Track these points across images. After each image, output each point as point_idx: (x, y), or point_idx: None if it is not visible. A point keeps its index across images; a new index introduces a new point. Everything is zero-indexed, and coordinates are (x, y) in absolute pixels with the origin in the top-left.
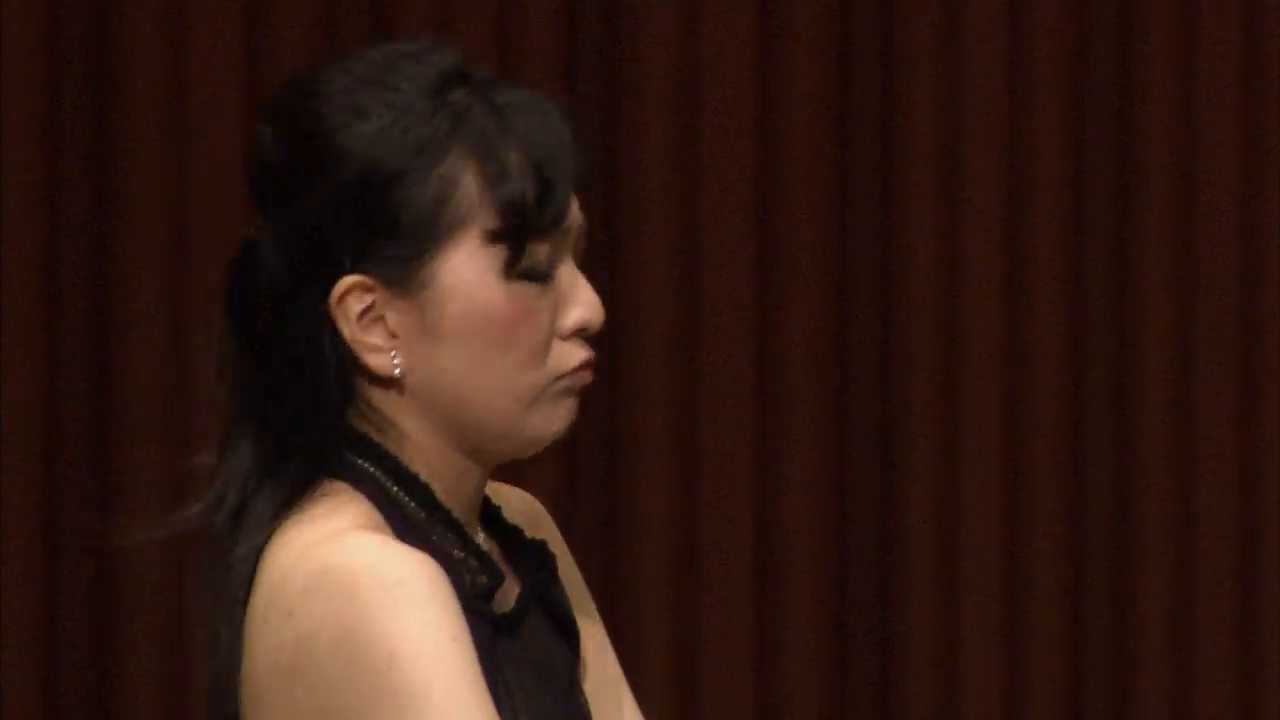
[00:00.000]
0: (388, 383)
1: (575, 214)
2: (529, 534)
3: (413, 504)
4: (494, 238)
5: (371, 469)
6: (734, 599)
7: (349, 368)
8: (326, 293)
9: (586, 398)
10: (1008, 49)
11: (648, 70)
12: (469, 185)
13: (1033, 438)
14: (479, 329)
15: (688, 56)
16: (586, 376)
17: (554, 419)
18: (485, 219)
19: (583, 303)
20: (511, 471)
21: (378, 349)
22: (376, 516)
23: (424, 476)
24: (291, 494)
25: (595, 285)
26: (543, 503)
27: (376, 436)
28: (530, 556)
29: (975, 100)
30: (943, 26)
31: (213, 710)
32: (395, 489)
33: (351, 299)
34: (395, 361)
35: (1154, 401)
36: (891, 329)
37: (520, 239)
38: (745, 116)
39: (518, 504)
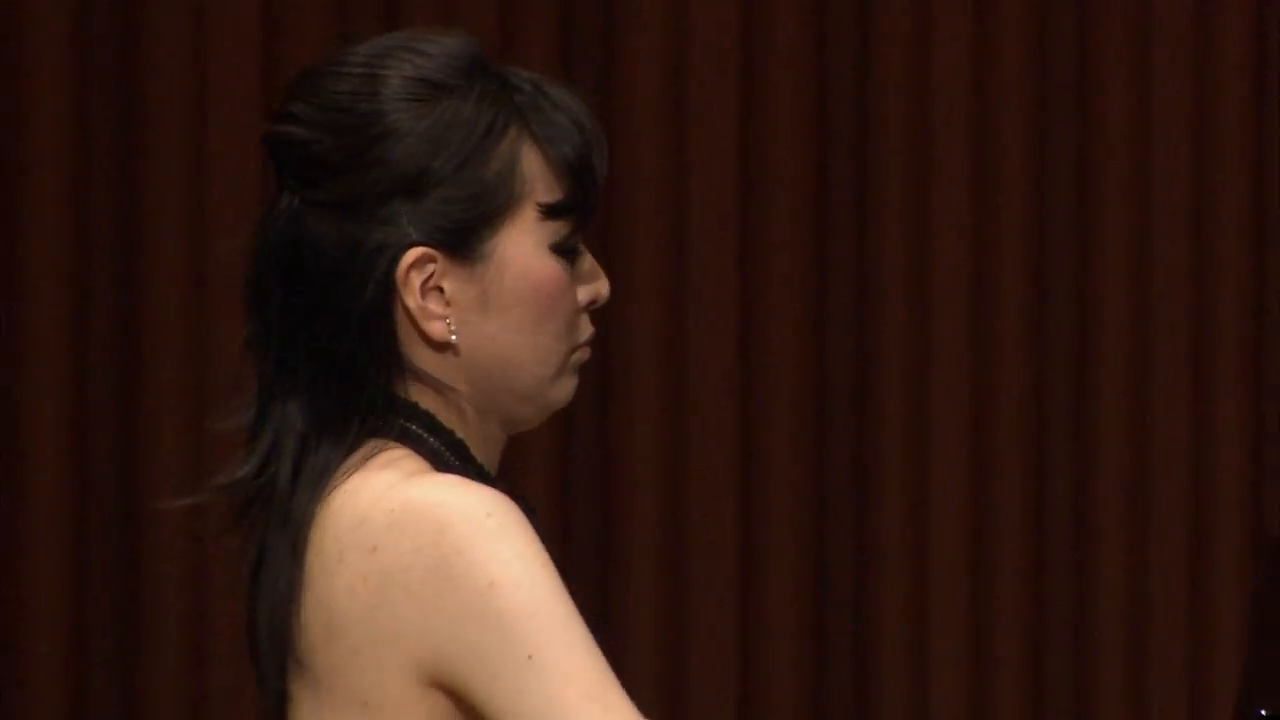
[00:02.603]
0: (439, 347)
1: None
2: None
3: (455, 460)
4: (550, 212)
5: (417, 429)
6: (719, 576)
7: (404, 333)
8: (391, 263)
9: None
10: (972, 78)
11: (637, 86)
12: (529, 162)
13: (997, 436)
14: (528, 299)
15: (675, 73)
16: (587, 353)
17: (566, 390)
18: (544, 193)
19: (596, 278)
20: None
21: (437, 316)
22: (428, 467)
23: (459, 434)
24: (350, 450)
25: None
26: (538, 496)
27: (420, 401)
28: (529, 518)
29: (942, 105)
30: (913, 38)
31: (270, 652)
32: (440, 446)
33: (415, 269)
34: (451, 329)
35: (1110, 406)
36: (865, 325)
37: (584, 210)
38: (729, 121)
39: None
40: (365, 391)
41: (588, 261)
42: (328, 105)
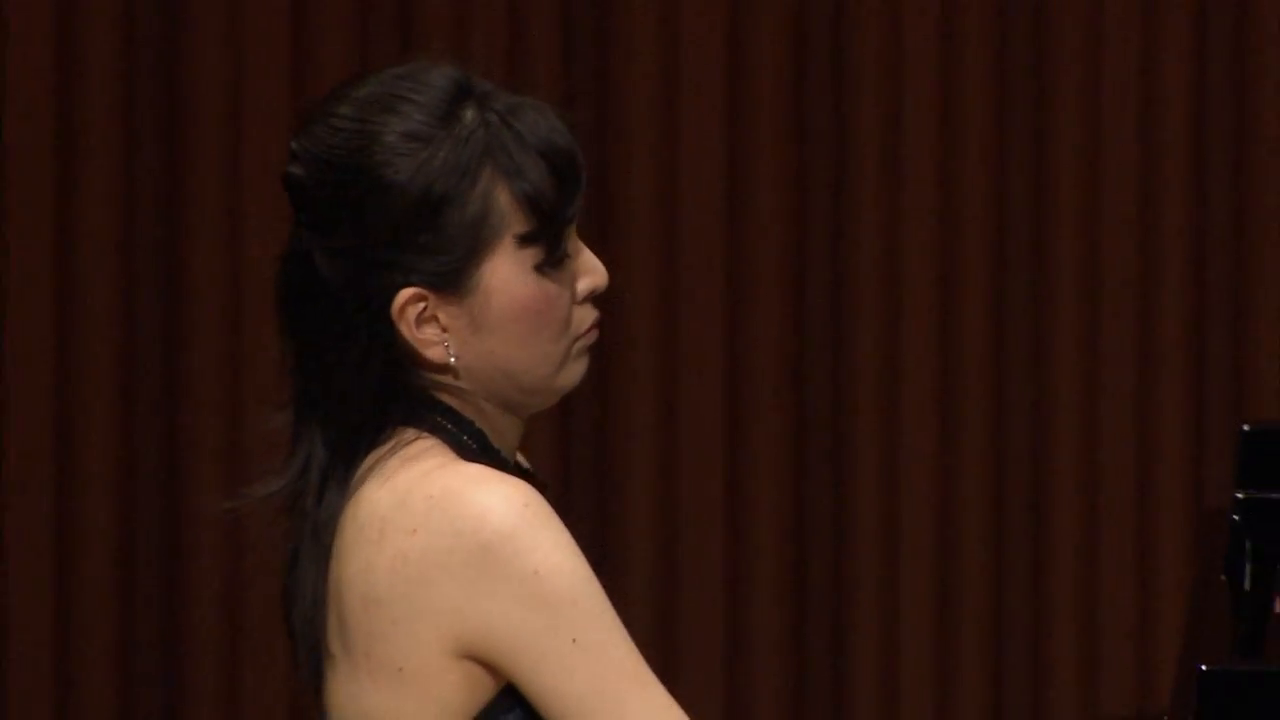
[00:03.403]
0: (442, 368)
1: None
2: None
3: (475, 448)
4: (526, 240)
5: (443, 422)
6: (707, 551)
7: (408, 358)
8: (386, 301)
9: (578, 399)
10: (941, 87)
11: (633, 102)
12: (501, 200)
13: (962, 417)
14: (519, 317)
15: (667, 84)
16: (595, 335)
17: (575, 374)
18: (518, 226)
19: (592, 270)
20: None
21: (433, 343)
22: (455, 455)
23: (478, 424)
24: (361, 452)
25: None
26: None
27: (444, 398)
28: (542, 489)
29: (914, 116)
30: (885, 50)
31: (303, 647)
32: (464, 437)
33: (409, 307)
34: (450, 351)
35: (1065, 392)
36: (841, 318)
37: (552, 237)
38: (716, 125)
39: (522, 463)
40: (378, 417)
41: (583, 257)
42: (323, 157)
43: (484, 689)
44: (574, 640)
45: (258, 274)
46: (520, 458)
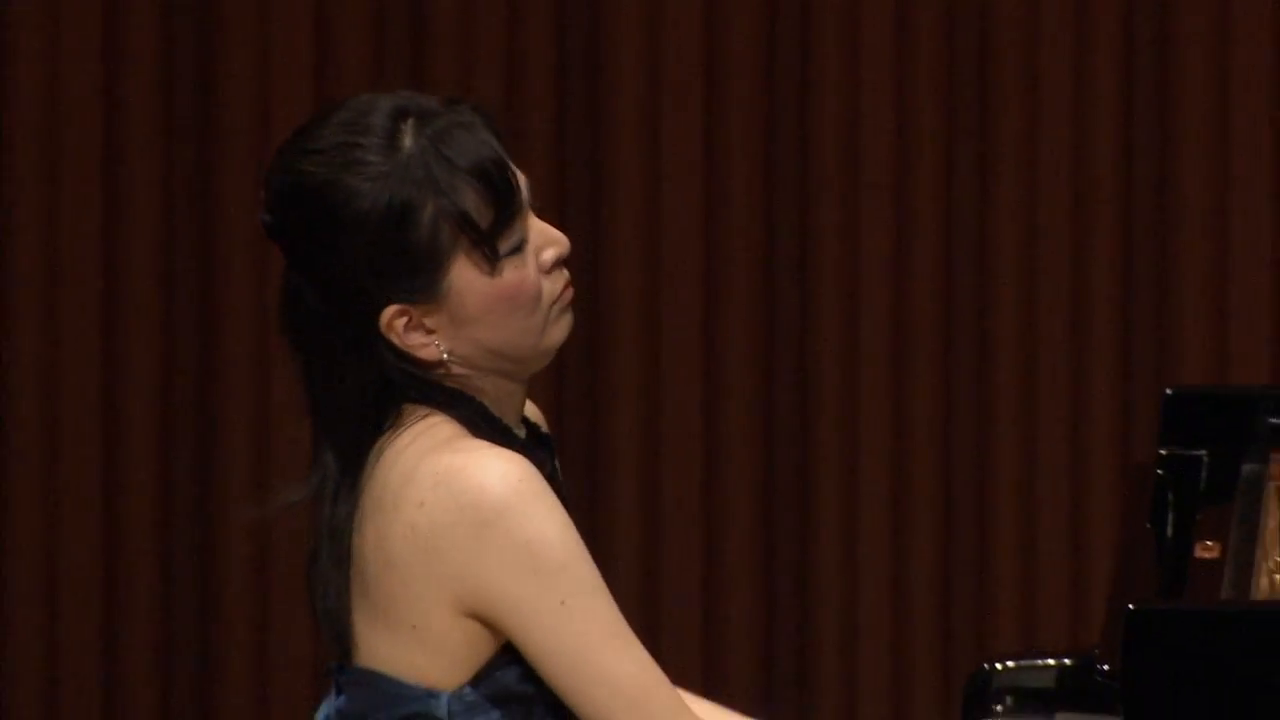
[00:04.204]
0: (436, 364)
1: (522, 187)
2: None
3: (479, 421)
4: (476, 245)
5: (448, 400)
6: (687, 479)
7: (406, 360)
8: (373, 321)
9: (568, 392)
10: (895, 94)
11: (620, 119)
12: (445, 222)
13: (916, 385)
14: (493, 306)
15: (651, 96)
16: (570, 294)
17: (559, 333)
18: (464, 237)
19: (553, 241)
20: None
21: (424, 345)
22: (460, 429)
23: (481, 399)
24: (364, 458)
25: (581, 269)
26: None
27: (448, 382)
28: (544, 446)
29: (871, 115)
30: (844, 59)
31: (327, 632)
32: (469, 414)
33: (395, 320)
34: (441, 350)
35: (1008, 374)
36: (807, 300)
37: (493, 243)
38: (695, 132)
39: (533, 414)
40: (376, 428)
41: (538, 231)
42: (290, 204)
43: (486, 644)
44: (562, 602)
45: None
46: (530, 411)
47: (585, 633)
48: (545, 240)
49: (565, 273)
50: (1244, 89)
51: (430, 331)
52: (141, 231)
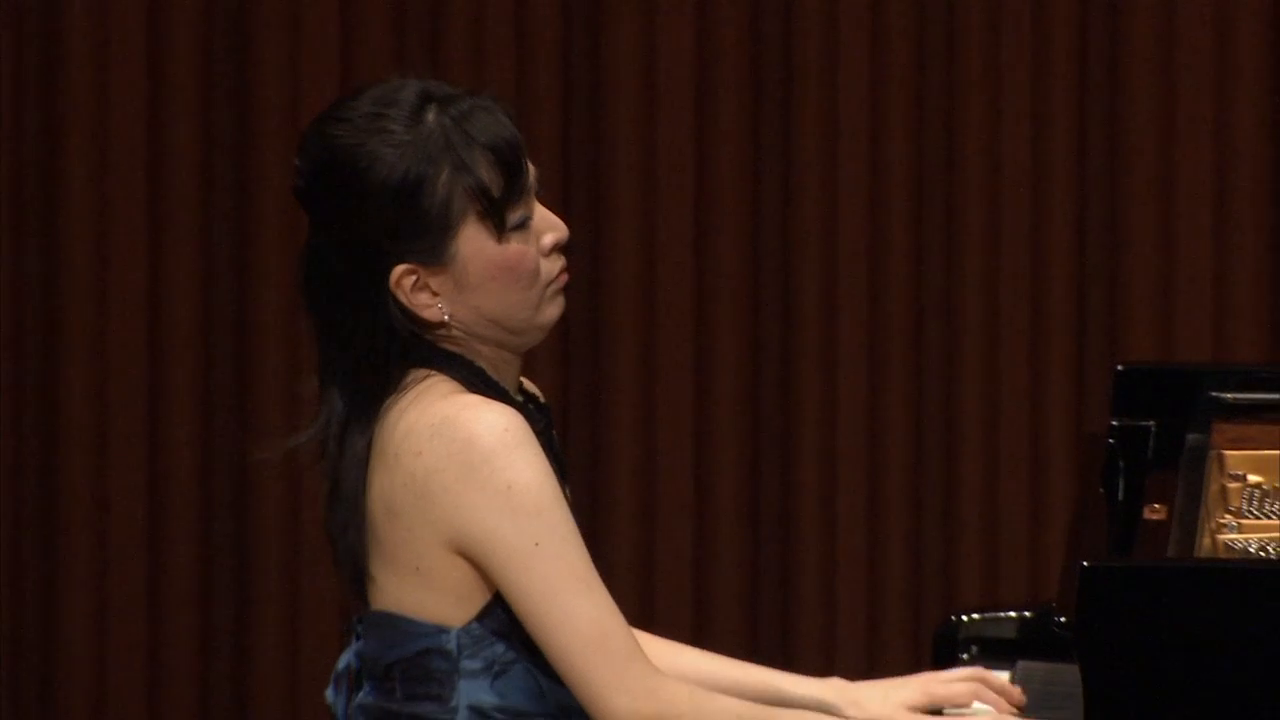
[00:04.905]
0: (439, 325)
1: (531, 171)
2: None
3: (478, 382)
4: (484, 216)
5: (450, 363)
6: (679, 451)
7: (411, 320)
8: (384, 278)
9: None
10: (871, 101)
11: (620, 124)
12: (459, 190)
13: (890, 359)
14: (494, 275)
15: (648, 103)
16: (565, 277)
17: (552, 313)
18: (475, 207)
19: (553, 227)
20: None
21: (428, 306)
22: (459, 386)
23: (479, 363)
24: (378, 394)
25: (579, 257)
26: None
27: (450, 346)
28: (541, 412)
29: (847, 112)
30: (823, 62)
31: (345, 561)
32: (467, 374)
33: (404, 279)
34: (444, 312)
35: (973, 350)
36: (789, 283)
37: (501, 213)
38: (687, 131)
39: (530, 388)
40: (386, 373)
41: (541, 216)
42: (321, 169)
43: (484, 583)
44: (536, 544)
45: None
46: (528, 386)
47: (553, 575)
48: (547, 225)
49: (562, 258)
50: (1190, 88)
51: (435, 294)
52: (184, 221)
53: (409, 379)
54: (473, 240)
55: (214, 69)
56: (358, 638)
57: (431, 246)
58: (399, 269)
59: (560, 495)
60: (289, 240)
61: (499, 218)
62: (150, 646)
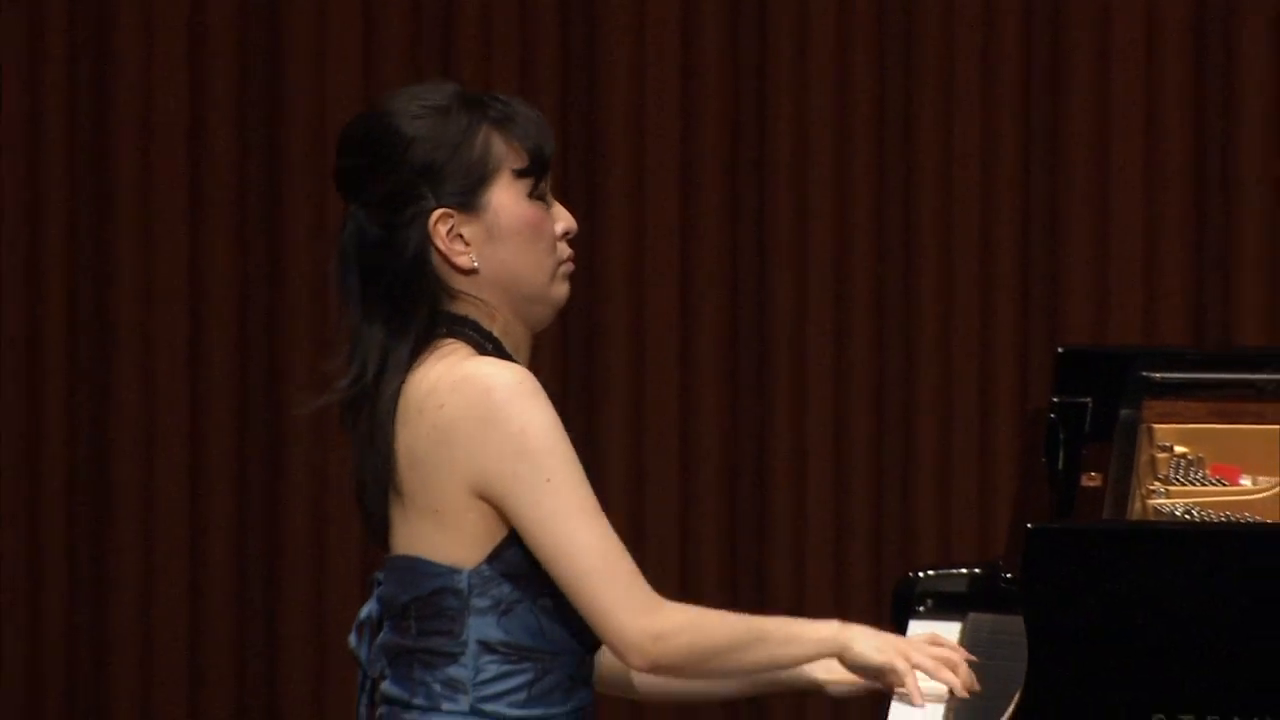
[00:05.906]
0: (467, 273)
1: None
2: None
3: (493, 349)
4: (520, 173)
5: (469, 331)
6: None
7: (443, 270)
8: (424, 220)
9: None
10: (838, 120)
11: (614, 121)
12: (498, 144)
13: (852, 342)
14: (521, 229)
15: (640, 112)
16: (571, 265)
17: (562, 291)
18: (513, 162)
19: (564, 217)
20: None
21: (461, 253)
22: (476, 352)
23: (496, 333)
24: (416, 350)
25: (579, 247)
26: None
27: (469, 314)
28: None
29: (823, 114)
30: (794, 66)
31: (375, 495)
32: (485, 343)
33: (440, 224)
34: (473, 260)
35: (928, 332)
36: (765, 276)
37: (539, 169)
38: (673, 139)
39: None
40: (422, 312)
41: (560, 209)
42: (363, 138)
43: (498, 526)
44: (547, 480)
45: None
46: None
47: (563, 508)
48: (562, 215)
49: (570, 249)
50: (1123, 98)
51: (467, 243)
52: (221, 219)
53: (434, 347)
54: (506, 192)
55: (248, 89)
56: (379, 585)
57: (469, 190)
58: (437, 213)
59: (567, 438)
60: (317, 241)
61: (536, 174)
62: (190, 620)
